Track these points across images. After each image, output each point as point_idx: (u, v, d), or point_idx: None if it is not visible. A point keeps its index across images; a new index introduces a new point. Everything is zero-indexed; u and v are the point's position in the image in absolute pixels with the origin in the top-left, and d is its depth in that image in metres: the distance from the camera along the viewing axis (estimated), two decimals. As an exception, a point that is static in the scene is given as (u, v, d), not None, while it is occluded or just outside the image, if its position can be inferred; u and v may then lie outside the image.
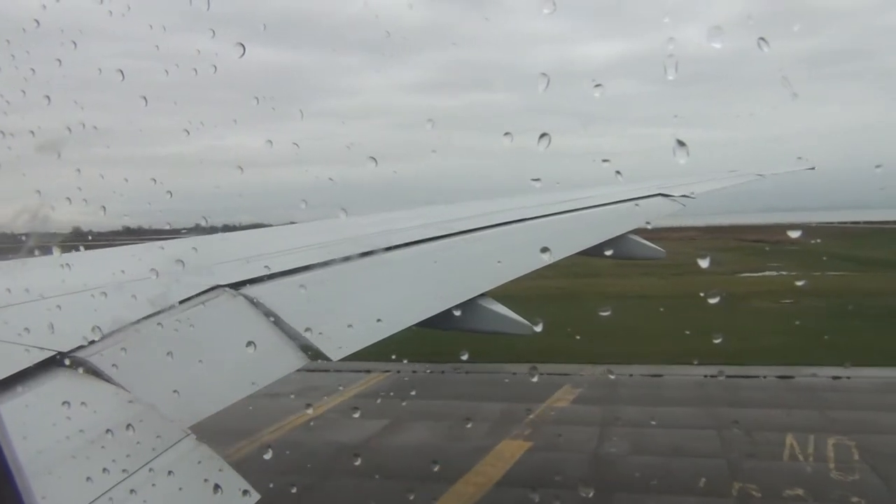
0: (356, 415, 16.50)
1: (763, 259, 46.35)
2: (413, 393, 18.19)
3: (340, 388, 18.45)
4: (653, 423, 15.03)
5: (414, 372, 20.27)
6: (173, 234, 4.58)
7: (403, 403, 17.10)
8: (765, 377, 18.71)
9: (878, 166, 3.99)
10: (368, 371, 19.80)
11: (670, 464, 12.80)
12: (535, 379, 19.40)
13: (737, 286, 34.18)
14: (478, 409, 16.47)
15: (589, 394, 17.66)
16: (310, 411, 16.68)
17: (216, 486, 2.38)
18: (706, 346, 20.12)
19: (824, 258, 45.39)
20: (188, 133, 3.66)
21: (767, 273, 41.33)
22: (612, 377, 19.23)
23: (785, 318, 25.78)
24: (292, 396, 17.22)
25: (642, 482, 12.01)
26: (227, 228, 5.59)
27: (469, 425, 15.34)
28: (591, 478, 12.48)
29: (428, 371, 19.73)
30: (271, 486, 11.22)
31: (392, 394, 18.06)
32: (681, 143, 2.68)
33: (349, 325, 3.80)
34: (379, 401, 17.26)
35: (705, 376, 18.80)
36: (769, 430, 14.35)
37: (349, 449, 14.04)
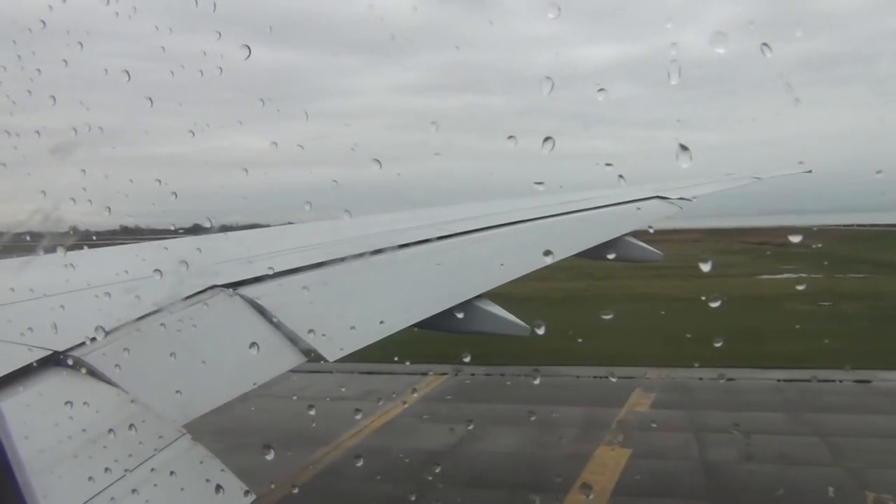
0: (429, 418, 16.06)
1: (774, 261, 46.06)
2: (479, 397, 17.83)
3: (401, 391, 18.18)
4: (746, 428, 14.63)
5: (473, 375, 19.83)
6: (177, 234, 4.59)
7: (474, 407, 16.74)
8: (840, 381, 18.31)
9: (878, 172, 4.01)
10: (424, 374, 19.49)
11: (788, 473, 12.33)
12: (596, 381, 18.99)
13: (763, 288, 34.09)
14: (555, 413, 15.90)
15: (665, 398, 17.27)
16: (383, 415, 16.25)
17: (218, 487, 2.39)
18: (767, 348, 20.41)
19: (835, 261, 45.20)
20: (193, 134, 3.68)
21: (786, 275, 41.05)
22: (682, 381, 18.80)
23: (833, 320, 25.46)
24: (356, 400, 17.26)
25: (768, 492, 11.50)
26: (230, 229, 5.60)
27: (555, 431, 14.91)
28: (715, 488, 11.98)
29: (486, 374, 19.37)
30: (385, 495, 11.16)
31: (457, 398, 17.72)
32: (683, 147, 2.70)
33: (346, 326, 3.82)
34: (447, 405, 16.92)
35: (778, 380, 18.42)
36: (873, 437, 13.99)
37: (439, 456, 13.73)
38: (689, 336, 20.68)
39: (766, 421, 15.41)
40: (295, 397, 17.10)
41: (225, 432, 13.87)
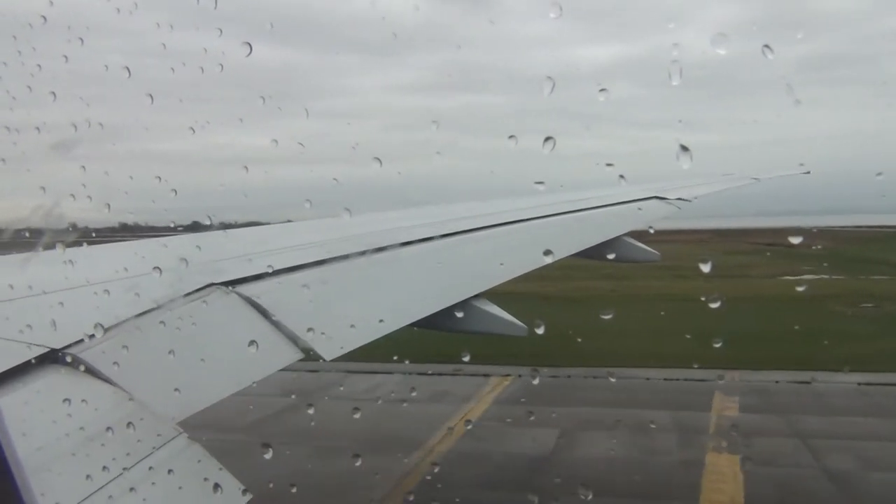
0: (513, 422, 15.59)
1: (790, 262, 45.70)
2: (553, 399, 17.32)
3: (470, 394, 17.80)
4: (850, 433, 14.31)
5: (537, 377, 19.51)
6: (177, 231, 4.59)
7: (555, 411, 16.16)
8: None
9: (879, 174, 4.01)
10: (486, 375, 19.13)
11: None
12: (669, 383, 18.62)
13: (793, 290, 33.69)
14: (642, 417, 15.56)
15: (751, 402, 16.82)
16: (464, 420, 16.02)
17: (216, 486, 2.39)
18: (836, 351, 19.96)
19: (851, 262, 44.79)
20: (193, 131, 3.68)
21: (808, 276, 40.72)
22: (758, 385, 18.35)
23: (889, 321, 25.17)
24: (428, 403, 17.01)
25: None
26: (229, 226, 5.60)
27: (653, 435, 14.59)
28: (860, 499, 11.55)
29: (552, 376, 19.08)
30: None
31: (532, 400, 17.28)
32: (684, 148, 2.70)
33: (345, 325, 3.81)
34: (526, 408, 16.48)
35: (858, 384, 17.92)
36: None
37: (547, 462, 13.34)
38: (746, 338, 20.15)
39: (865, 426, 14.97)
40: (367, 399, 17.32)
41: (314, 437, 13.96)
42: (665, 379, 18.83)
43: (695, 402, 16.85)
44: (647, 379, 18.66)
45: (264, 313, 3.55)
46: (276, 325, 3.49)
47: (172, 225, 4.23)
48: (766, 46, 2.52)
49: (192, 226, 4.64)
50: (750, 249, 57.50)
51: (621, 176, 3.25)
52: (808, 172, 11.40)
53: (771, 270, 41.12)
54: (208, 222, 4.28)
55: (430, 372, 18.92)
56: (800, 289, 34.23)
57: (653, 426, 15.00)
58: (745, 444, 14.05)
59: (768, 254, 53.60)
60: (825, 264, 44.06)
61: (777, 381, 18.51)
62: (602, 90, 2.81)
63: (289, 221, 6.59)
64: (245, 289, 3.73)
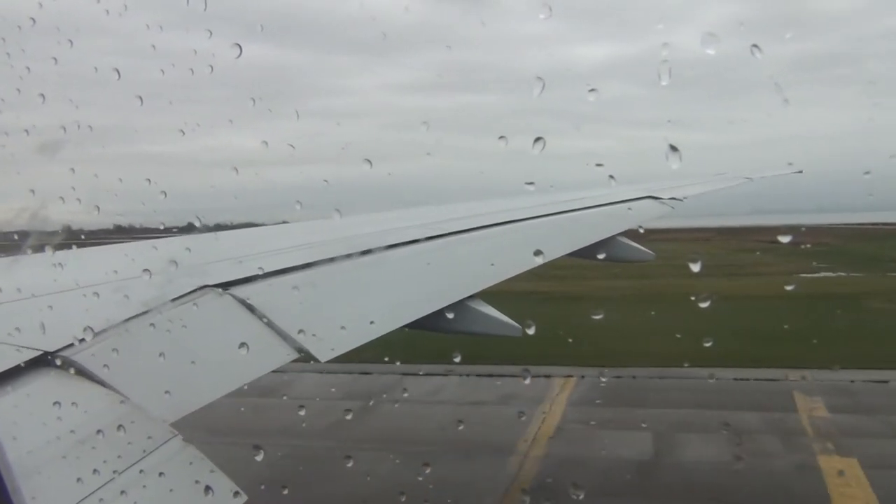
0: (597, 425, 15.16)
1: (802, 259, 45.32)
2: (628, 401, 17.05)
3: (540, 395, 17.35)
4: None
5: (602, 377, 18.90)
6: (169, 233, 4.58)
7: (636, 413, 15.86)
8: None
9: (866, 173, 4.04)
10: (548, 376, 18.73)
11: None
12: (740, 383, 18.15)
13: (821, 287, 33.36)
14: (730, 419, 15.08)
15: (835, 402, 16.25)
16: (545, 421, 15.58)
17: (207, 488, 2.39)
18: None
19: (862, 259, 44.66)
20: (183, 133, 3.67)
21: (827, 273, 40.12)
22: (835, 384, 17.76)
23: None
24: (500, 405, 16.73)
25: None
26: (220, 228, 5.59)
27: (751, 438, 14.16)
28: None
29: (616, 377, 18.73)
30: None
31: (607, 402, 16.93)
32: (673, 148, 2.71)
33: (337, 326, 3.81)
34: (603, 410, 16.13)
35: None
36: None
37: (651, 467, 12.97)
38: (798, 337, 20.09)
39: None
40: (434, 403, 17.06)
41: (401, 442, 13.95)
42: (735, 379, 18.38)
43: (777, 403, 16.42)
44: (716, 379, 18.10)
45: (258, 315, 3.54)
46: (269, 325, 3.49)
47: (162, 227, 4.22)
48: (755, 46, 2.54)
49: (183, 228, 4.63)
50: (755, 247, 56.71)
51: (611, 176, 3.26)
52: (800, 172, 11.47)
53: (786, 268, 40.73)
54: (199, 224, 4.27)
55: (489, 374, 18.63)
56: (826, 286, 33.31)
57: (746, 428, 14.68)
58: (852, 445, 13.55)
59: (775, 252, 53.54)
60: (837, 262, 43.75)
61: (852, 381, 17.90)
62: (591, 90, 2.82)
63: (282, 223, 6.58)
64: (237, 291, 3.72)
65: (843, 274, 39.89)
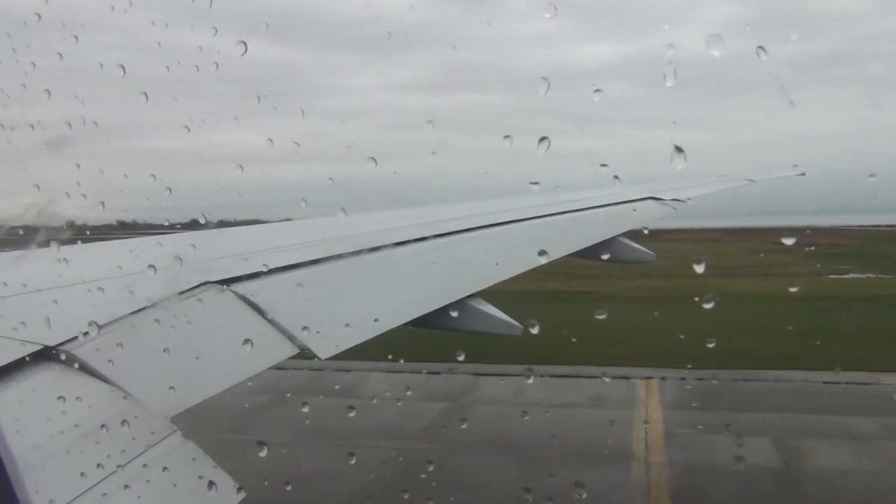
0: (706, 430, 14.61)
1: (822, 261, 44.54)
2: (724, 404, 16.56)
3: (629, 398, 17.05)
4: None
5: (683, 379, 18.36)
6: (171, 229, 4.59)
7: (742, 416, 15.42)
8: None
9: (871, 176, 4.03)
10: (626, 377, 18.44)
11: None
12: (830, 386, 17.72)
13: (856, 289, 33.35)
14: (845, 424, 14.78)
15: None
16: (650, 425, 15.26)
17: (210, 483, 2.39)
18: None
19: (880, 260, 44.30)
20: (188, 129, 3.67)
21: (854, 275, 39.96)
22: None
23: None
24: (593, 408, 16.31)
25: None
26: (225, 225, 5.60)
27: (877, 445, 13.74)
28: None
29: (698, 378, 18.19)
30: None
31: (704, 405, 16.43)
32: (679, 149, 2.72)
33: (340, 324, 3.82)
34: (703, 414, 15.65)
35: None
36: None
37: (795, 476, 12.47)
38: (861, 338, 20.06)
39: None
40: (526, 404, 16.60)
41: (517, 446, 13.62)
42: (825, 382, 17.96)
43: (885, 408, 15.87)
44: (806, 381, 17.85)
45: (259, 311, 3.55)
46: (272, 322, 3.50)
47: (167, 223, 4.23)
48: (761, 47, 2.54)
49: (188, 224, 4.64)
50: (770, 248, 56.04)
51: (616, 177, 3.26)
52: (804, 174, 11.44)
53: (812, 269, 40.50)
54: (204, 221, 4.28)
55: (564, 374, 18.40)
56: (863, 288, 33.37)
57: (865, 433, 14.35)
58: None
59: (791, 253, 52.85)
60: (860, 263, 43.45)
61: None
62: (596, 90, 2.82)
63: (286, 220, 6.59)
64: (240, 287, 3.73)
65: (871, 275, 39.70)
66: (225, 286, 3.68)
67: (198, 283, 3.60)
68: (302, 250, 4.69)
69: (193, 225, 4.48)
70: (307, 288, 4.09)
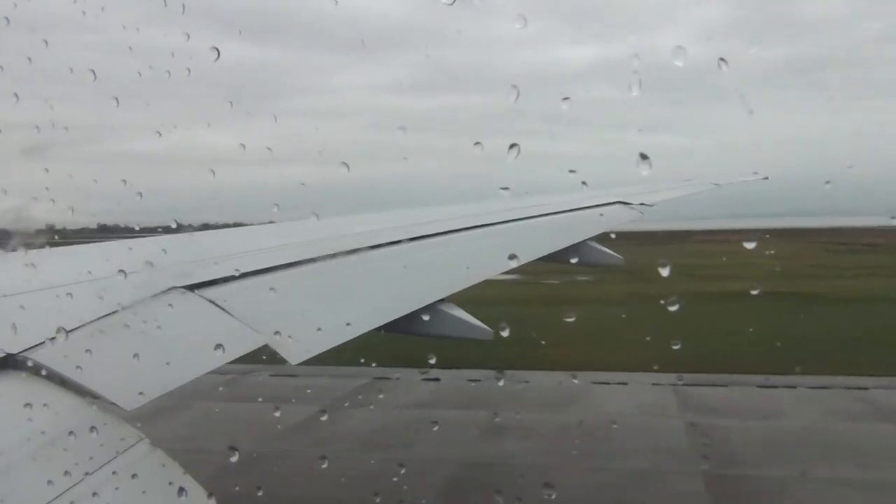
0: (792, 439, 14.38)
1: (867, 258, 45.11)
2: (805, 412, 16.21)
3: (731, 405, 16.63)
4: None
5: (742, 385, 18.20)
6: (142, 233, 4.54)
7: (836, 426, 15.07)
8: None
9: (851, 166, 4.12)
10: (698, 385, 18.04)
11: None
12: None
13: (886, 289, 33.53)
14: None
15: None
16: (777, 433, 14.84)
17: (181, 489, 2.39)
18: None
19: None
20: (160, 134, 3.64)
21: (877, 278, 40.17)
22: None
23: None
24: (710, 415, 15.84)
25: None
26: (196, 229, 5.55)
27: None
28: None
29: (759, 385, 18.02)
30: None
31: (778, 414, 16.13)
32: (643, 156, 2.78)
33: (311, 328, 3.82)
34: (787, 423, 15.39)
35: None
36: None
37: None
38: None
39: None
40: (619, 414, 15.90)
41: (642, 456, 13.36)
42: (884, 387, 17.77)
43: None
44: (867, 388, 17.75)
45: (227, 315, 3.54)
46: (241, 321, 3.49)
47: (141, 227, 4.20)
48: (722, 59, 2.62)
49: (160, 228, 4.60)
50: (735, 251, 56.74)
51: (584, 183, 3.32)
52: (766, 178, 11.70)
53: (862, 267, 41.11)
54: (176, 225, 4.25)
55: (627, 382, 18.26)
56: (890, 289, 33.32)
57: None
58: None
59: (837, 251, 52.79)
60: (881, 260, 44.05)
61: None
62: (565, 98, 2.87)
63: (257, 224, 6.55)
64: (209, 292, 3.71)
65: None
66: (194, 291, 3.67)
67: (167, 288, 3.57)
68: (275, 254, 4.67)
69: (165, 229, 4.45)
70: (279, 292, 4.08)
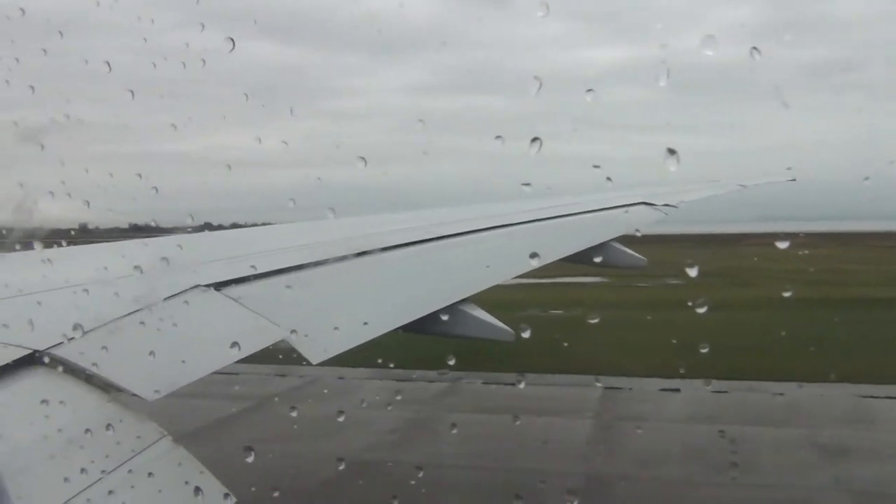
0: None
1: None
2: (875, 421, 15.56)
3: (836, 413, 15.98)
4: None
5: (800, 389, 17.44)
6: (160, 231, 4.56)
7: None
8: None
9: (866, 178, 4.01)
10: (753, 389, 17.50)
11: None
12: None
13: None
14: None
15: None
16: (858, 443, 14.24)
17: (197, 489, 2.36)
18: None
19: None
20: (175, 128, 3.63)
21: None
22: None
23: None
24: (744, 427, 15.04)
25: None
26: (215, 227, 5.57)
27: None
28: None
29: (821, 395, 17.15)
30: None
31: (854, 424, 15.38)
32: (671, 151, 2.70)
33: (330, 327, 3.79)
34: (862, 433, 14.74)
35: None
36: None
37: None
38: None
39: None
40: (712, 422, 15.23)
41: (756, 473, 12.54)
42: None
43: None
44: None
45: (251, 314, 3.53)
46: (262, 324, 3.48)
47: (158, 225, 4.20)
48: (754, 48, 2.53)
49: (177, 227, 4.60)
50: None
51: (608, 178, 3.25)
52: (794, 180, 11.48)
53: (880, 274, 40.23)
54: (194, 223, 4.25)
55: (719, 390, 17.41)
56: None
57: None
58: None
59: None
60: None
61: None
62: (589, 90, 2.81)
63: (277, 224, 6.57)
64: (229, 291, 3.70)
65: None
66: (216, 289, 3.66)
67: (188, 287, 3.57)
68: (294, 254, 4.66)
69: (183, 228, 4.45)
70: (299, 291, 4.06)
